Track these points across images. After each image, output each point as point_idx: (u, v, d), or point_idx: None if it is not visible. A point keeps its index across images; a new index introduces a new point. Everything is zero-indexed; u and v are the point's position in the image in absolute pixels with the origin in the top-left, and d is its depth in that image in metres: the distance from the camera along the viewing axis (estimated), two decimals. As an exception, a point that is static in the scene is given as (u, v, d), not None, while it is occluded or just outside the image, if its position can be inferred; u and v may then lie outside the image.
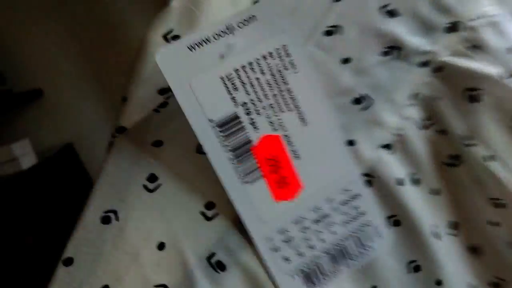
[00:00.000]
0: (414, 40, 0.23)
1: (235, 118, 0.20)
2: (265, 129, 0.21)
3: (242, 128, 0.20)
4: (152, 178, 0.22)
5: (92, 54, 0.50)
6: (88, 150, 0.52)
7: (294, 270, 0.21)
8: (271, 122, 0.21)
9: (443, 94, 0.24)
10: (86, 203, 0.22)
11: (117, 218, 0.21)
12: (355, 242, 0.22)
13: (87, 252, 0.21)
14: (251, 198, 0.20)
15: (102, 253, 0.21)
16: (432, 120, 0.24)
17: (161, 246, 0.21)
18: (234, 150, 0.20)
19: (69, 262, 0.21)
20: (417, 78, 0.24)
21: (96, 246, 0.21)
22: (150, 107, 0.23)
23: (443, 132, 0.24)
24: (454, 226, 0.25)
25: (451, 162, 0.25)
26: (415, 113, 0.24)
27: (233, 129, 0.20)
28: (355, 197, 0.22)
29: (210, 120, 0.20)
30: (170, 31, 0.23)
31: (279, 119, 0.21)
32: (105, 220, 0.21)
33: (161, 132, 0.23)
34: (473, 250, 0.25)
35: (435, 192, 0.25)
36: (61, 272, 0.21)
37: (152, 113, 0.23)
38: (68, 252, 0.21)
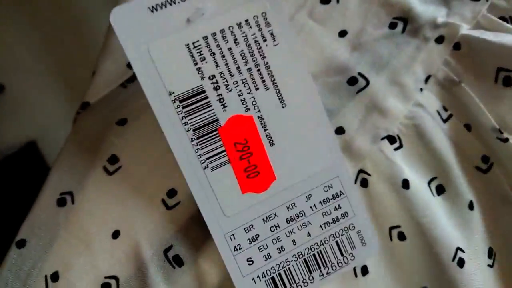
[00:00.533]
0: (427, 9, 0.20)
1: (200, 92, 0.17)
2: (235, 108, 0.18)
3: (208, 105, 0.18)
4: (113, 159, 0.20)
5: (56, 48, 0.48)
6: (51, 148, 0.50)
7: (257, 274, 0.18)
8: (243, 101, 0.18)
9: (463, 78, 0.20)
10: (43, 184, 0.20)
11: (72, 201, 0.19)
12: (333, 248, 0.19)
13: (40, 234, 0.19)
14: (213, 186, 0.18)
15: (55, 237, 0.19)
16: (451, 111, 0.20)
17: (115, 234, 0.19)
18: (196, 129, 0.18)
19: (21, 244, 0.19)
20: (431, 57, 0.20)
21: (49, 229, 0.19)
22: (118, 82, 0.21)
23: (467, 126, 0.20)
24: (489, 253, 0.20)
25: (480, 165, 0.20)
26: (430, 101, 0.20)
27: (197, 105, 0.17)
28: (338, 195, 0.19)
29: (171, 93, 0.17)
30: None
31: (252, 98, 0.18)
32: (60, 202, 0.19)
33: (127, 109, 0.20)
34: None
35: (467, 205, 0.20)
36: (13, 254, 0.19)
37: (119, 88, 0.21)
38: (22, 234, 0.19)
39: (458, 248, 0.19)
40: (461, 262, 0.19)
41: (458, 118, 0.20)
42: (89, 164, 0.19)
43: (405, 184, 0.20)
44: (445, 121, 0.20)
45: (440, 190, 0.20)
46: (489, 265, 0.20)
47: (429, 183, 0.20)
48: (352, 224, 0.19)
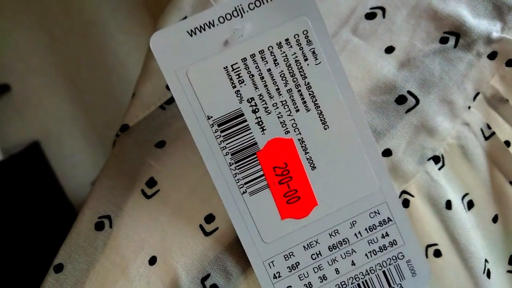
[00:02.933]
0: (481, 23, 0.19)
1: (238, 116, 0.18)
2: (274, 131, 0.18)
3: (247, 128, 0.18)
4: (152, 182, 0.20)
5: (63, 50, 0.50)
6: (55, 149, 0.52)
7: (298, 304, 0.18)
8: (282, 123, 0.18)
9: (511, 95, 0.19)
10: (82, 206, 0.21)
11: (110, 225, 0.20)
12: (380, 278, 0.18)
13: (77, 259, 0.20)
14: (252, 212, 0.18)
15: (93, 262, 0.20)
16: (494, 129, 0.20)
17: (152, 261, 0.19)
18: (234, 153, 0.18)
19: (59, 268, 0.20)
20: (482, 74, 0.19)
21: (87, 253, 0.20)
22: (157, 104, 0.21)
23: (506, 143, 0.20)
24: (510, 260, 0.21)
25: None
26: (475, 118, 0.20)
27: (236, 129, 0.18)
28: (386, 222, 0.18)
29: (209, 117, 0.17)
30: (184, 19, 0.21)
31: (293, 120, 0.18)
32: (98, 226, 0.20)
33: (165, 131, 0.21)
34: None
35: (491, 219, 0.21)
36: (51, 279, 0.20)
37: (158, 110, 0.21)
38: (59, 258, 0.20)
39: (486, 260, 0.20)
40: (488, 273, 0.20)
41: (500, 135, 0.20)
42: (127, 187, 0.20)
43: (448, 205, 0.20)
44: (486, 138, 0.20)
45: (470, 205, 0.21)
46: (508, 271, 0.21)
47: (462, 199, 0.21)
48: (401, 253, 0.19)
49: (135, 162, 0.20)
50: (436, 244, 0.20)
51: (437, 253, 0.20)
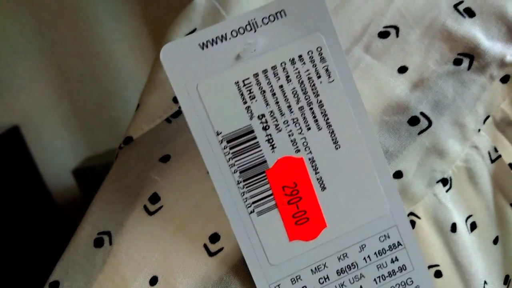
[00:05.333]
0: (495, 46, 0.19)
1: (248, 132, 0.17)
2: (284, 149, 0.17)
3: (256, 146, 0.17)
4: (155, 198, 0.20)
5: (50, 35, 0.49)
6: (35, 134, 0.51)
7: (304, 331, 0.17)
8: (293, 141, 0.17)
9: None
10: (81, 221, 0.20)
11: (110, 242, 0.19)
12: (389, 305, 0.18)
13: (74, 277, 0.19)
14: (259, 233, 0.17)
15: (91, 280, 0.19)
16: (501, 152, 0.20)
17: (153, 281, 0.19)
18: (243, 171, 0.17)
19: (55, 286, 0.19)
20: (494, 97, 0.19)
21: (85, 271, 0.19)
22: (163, 117, 0.21)
23: (510, 165, 0.20)
24: (505, 280, 0.21)
25: None
26: (484, 141, 0.20)
27: (245, 146, 0.17)
28: (395, 246, 0.18)
29: (218, 133, 0.17)
30: (194, 31, 0.21)
31: (304, 138, 0.17)
32: (98, 242, 0.19)
33: (170, 145, 0.20)
34: None
35: (492, 240, 0.21)
36: None
37: (163, 123, 0.21)
38: (56, 275, 0.19)
39: (485, 282, 0.21)
40: None
41: (505, 158, 0.21)
42: (129, 203, 0.19)
43: (453, 227, 0.20)
44: (493, 161, 0.21)
45: (473, 226, 0.21)
46: None
47: (466, 220, 0.21)
48: (410, 278, 0.18)
49: (138, 176, 0.20)
50: (438, 265, 0.20)
51: (438, 274, 0.20)
